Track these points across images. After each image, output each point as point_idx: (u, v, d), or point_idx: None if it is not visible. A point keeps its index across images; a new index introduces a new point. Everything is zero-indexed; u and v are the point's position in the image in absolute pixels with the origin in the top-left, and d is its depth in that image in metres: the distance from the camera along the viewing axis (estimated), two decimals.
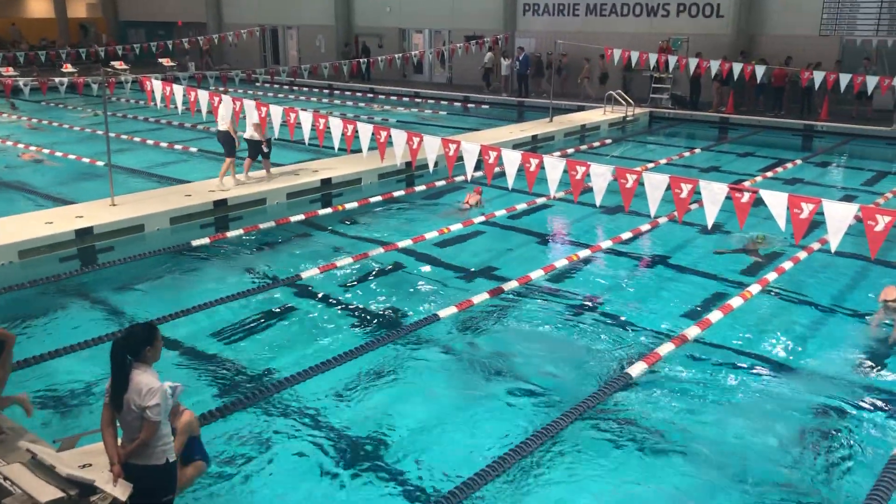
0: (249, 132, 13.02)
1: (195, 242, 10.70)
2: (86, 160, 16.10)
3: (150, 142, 18.63)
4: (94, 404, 6.51)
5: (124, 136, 18.97)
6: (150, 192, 13.02)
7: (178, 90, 12.05)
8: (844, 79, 19.15)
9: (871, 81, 19.02)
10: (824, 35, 22.89)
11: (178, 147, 18.06)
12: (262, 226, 11.52)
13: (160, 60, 32.31)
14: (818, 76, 19.66)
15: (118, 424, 4.57)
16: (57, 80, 24.40)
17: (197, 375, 7.13)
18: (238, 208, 12.42)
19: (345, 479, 5.62)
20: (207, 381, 7.04)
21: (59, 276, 9.51)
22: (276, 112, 11.25)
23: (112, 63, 29.24)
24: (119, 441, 4.58)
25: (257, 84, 30.17)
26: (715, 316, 8.29)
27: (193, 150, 17.82)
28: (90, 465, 4.73)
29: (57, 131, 20.54)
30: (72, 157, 16.53)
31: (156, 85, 12.32)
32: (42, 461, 4.79)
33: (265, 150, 13.30)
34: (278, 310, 8.64)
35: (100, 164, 15.35)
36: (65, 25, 41.00)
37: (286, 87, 30.88)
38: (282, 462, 5.81)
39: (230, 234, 11.24)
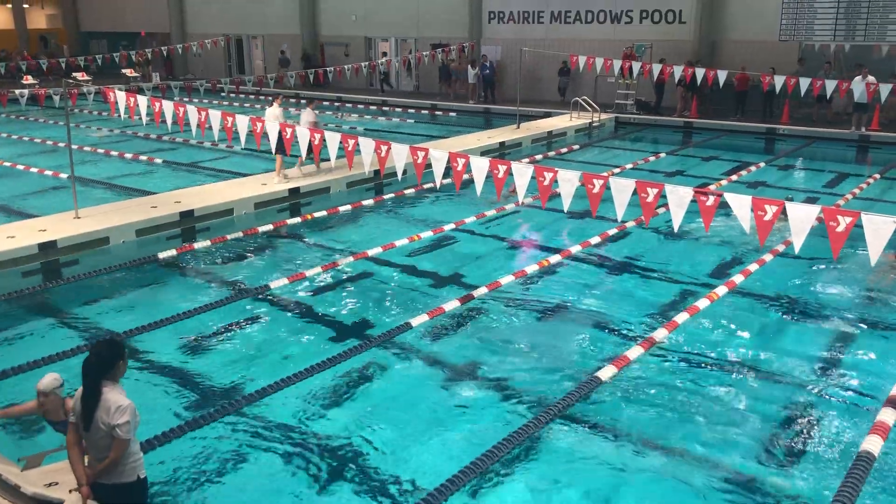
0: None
1: (161, 254, 10.57)
2: (48, 173, 15.84)
3: (114, 153, 18.39)
4: None
5: (87, 148, 18.70)
6: (115, 204, 12.85)
7: (143, 101, 11.92)
8: (804, 83, 19.54)
9: (830, 85, 19.42)
10: (784, 40, 23.34)
11: (142, 158, 17.85)
12: (229, 236, 11.42)
13: (123, 71, 31.97)
14: (779, 80, 20.04)
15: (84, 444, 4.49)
16: (17, 91, 23.98)
17: (165, 389, 7.04)
18: (205, 219, 12.30)
19: (317, 490, 5.58)
20: (176, 394, 6.95)
21: (22, 290, 9.34)
22: (242, 122, 11.19)
23: (74, 74, 28.89)
24: (85, 460, 4.50)
25: (222, 94, 29.94)
26: (682, 318, 8.38)
27: (158, 161, 17.62)
28: (56, 483, 4.66)
29: (18, 143, 20.19)
30: (34, 169, 16.26)
31: (119, 96, 12.17)
32: (6, 481, 4.70)
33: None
34: (247, 321, 8.56)
35: (63, 176, 15.12)
36: (24, 37, 40.41)
37: (252, 96, 30.71)
38: (253, 475, 5.75)
39: (197, 245, 11.12)
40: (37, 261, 10.30)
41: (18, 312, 8.83)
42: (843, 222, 6.62)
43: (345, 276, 9.99)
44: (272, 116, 14.30)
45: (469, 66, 27.58)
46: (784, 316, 8.81)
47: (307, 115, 15.17)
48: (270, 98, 14.77)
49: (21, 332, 8.30)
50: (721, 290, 9.23)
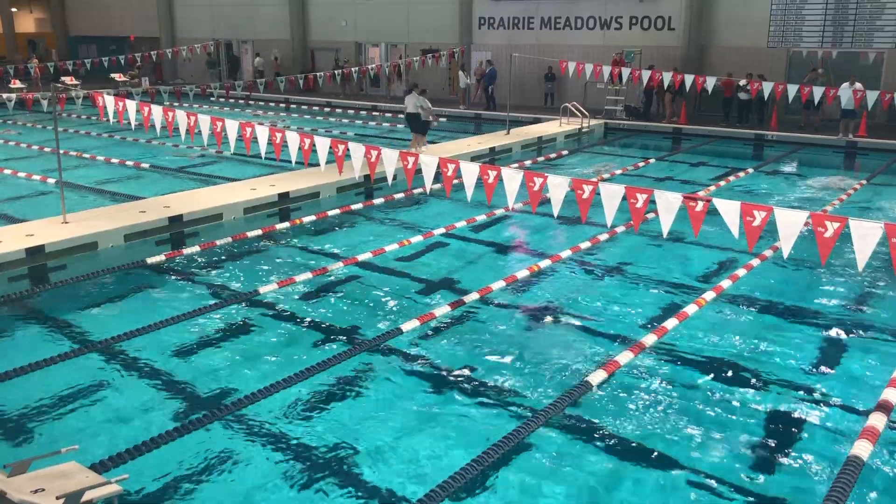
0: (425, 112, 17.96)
1: (150, 259, 10.51)
2: (36, 177, 15.75)
3: (101, 158, 18.29)
4: (45, 428, 6.36)
5: (73, 153, 18.58)
6: (103, 208, 12.79)
7: (132, 105, 11.87)
8: (792, 89, 19.69)
9: (818, 92, 19.57)
10: (772, 47, 23.49)
11: (129, 163, 17.77)
12: (218, 241, 11.37)
13: (112, 76, 31.86)
14: (767, 87, 20.18)
15: None
16: (5, 96, 23.86)
17: (153, 394, 7.00)
18: (194, 224, 12.25)
19: (307, 495, 5.55)
20: (164, 400, 6.91)
21: (9, 295, 9.27)
22: (232, 126, 11.15)
23: (62, 78, 28.78)
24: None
25: (212, 99, 29.86)
26: (671, 323, 8.40)
27: (146, 165, 17.54)
28: (43, 489, 4.61)
29: (5, 148, 20.06)
30: (21, 174, 16.16)
31: (108, 100, 12.11)
32: None
33: (431, 125, 18.87)
34: (236, 326, 8.53)
35: (51, 181, 15.04)
36: (12, 41, 40.22)
37: (241, 101, 30.65)
38: (242, 480, 5.72)
39: (186, 250, 11.07)
40: (24, 265, 10.23)
41: (5, 318, 8.76)
42: (831, 228, 6.66)
43: (335, 282, 9.96)
44: (410, 102, 17.86)
45: (460, 72, 27.62)
46: (772, 321, 8.84)
47: (421, 101, 18.18)
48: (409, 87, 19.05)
49: (7, 337, 8.24)
50: (709, 294, 9.26)
